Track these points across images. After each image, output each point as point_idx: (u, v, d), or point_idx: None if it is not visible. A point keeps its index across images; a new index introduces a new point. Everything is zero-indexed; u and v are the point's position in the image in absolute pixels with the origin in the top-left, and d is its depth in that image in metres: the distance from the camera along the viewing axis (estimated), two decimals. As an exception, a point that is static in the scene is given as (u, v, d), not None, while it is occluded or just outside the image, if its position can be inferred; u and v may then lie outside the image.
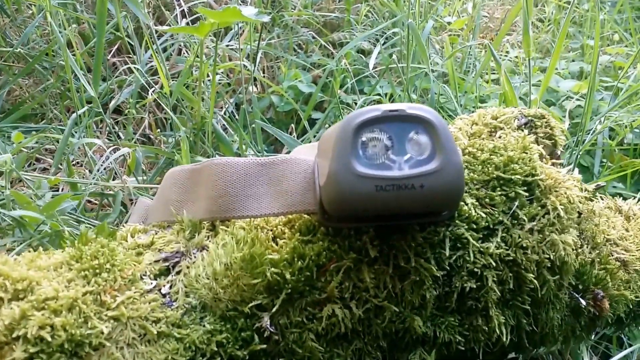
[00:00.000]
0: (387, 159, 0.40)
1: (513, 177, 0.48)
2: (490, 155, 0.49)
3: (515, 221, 0.48)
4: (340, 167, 0.39)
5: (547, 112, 0.55)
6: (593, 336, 0.73)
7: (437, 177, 0.39)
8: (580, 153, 0.93)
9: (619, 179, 0.97)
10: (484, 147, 0.49)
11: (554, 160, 0.53)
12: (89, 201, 0.82)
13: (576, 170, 0.92)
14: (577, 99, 1.11)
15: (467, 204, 0.47)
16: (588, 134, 0.96)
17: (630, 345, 0.72)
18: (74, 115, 0.79)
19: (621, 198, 0.67)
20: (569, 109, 1.05)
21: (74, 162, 0.88)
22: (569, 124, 1.02)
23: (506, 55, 1.37)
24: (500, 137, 0.51)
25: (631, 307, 0.58)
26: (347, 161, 0.39)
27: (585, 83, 1.12)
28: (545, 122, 0.54)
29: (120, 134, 0.96)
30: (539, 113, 0.55)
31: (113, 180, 0.75)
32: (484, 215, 0.47)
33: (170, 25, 1.07)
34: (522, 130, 0.52)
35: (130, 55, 1.09)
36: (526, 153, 0.49)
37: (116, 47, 1.14)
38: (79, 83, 0.89)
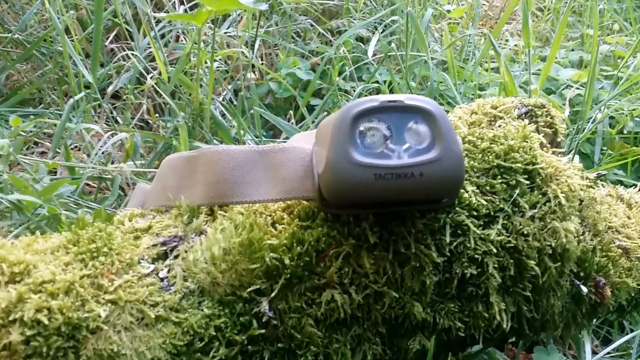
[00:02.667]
0: (386, 148, 0.40)
1: (513, 165, 0.47)
2: (491, 144, 0.48)
3: (516, 209, 0.47)
4: (338, 156, 0.39)
5: (547, 101, 0.55)
6: (594, 321, 0.73)
7: (437, 166, 0.39)
8: (581, 141, 0.93)
9: (620, 166, 0.97)
10: (484, 136, 0.49)
11: (554, 149, 0.52)
12: (88, 184, 0.82)
13: (577, 157, 0.92)
14: (577, 88, 1.11)
15: (467, 192, 0.46)
16: (588, 122, 0.96)
17: (632, 331, 0.72)
18: (72, 100, 0.79)
19: (622, 186, 0.67)
20: (569, 97, 1.05)
21: (72, 147, 0.88)
22: (569, 112, 1.02)
23: (506, 44, 1.37)
24: (500, 126, 0.50)
25: (633, 294, 0.58)
26: (345, 150, 0.39)
27: (585, 72, 1.12)
28: (546, 112, 0.54)
29: (119, 119, 0.96)
30: (539, 102, 0.54)
31: (112, 164, 0.75)
32: (484, 202, 0.47)
33: (168, 12, 1.06)
34: (523, 120, 0.52)
35: (129, 42, 1.09)
36: (526, 142, 0.48)
37: (114, 33, 1.13)
38: (77, 69, 0.88)
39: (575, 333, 0.68)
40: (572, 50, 1.37)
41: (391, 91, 1.03)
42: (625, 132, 1.03)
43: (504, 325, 0.48)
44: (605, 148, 1.02)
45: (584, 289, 0.52)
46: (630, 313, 0.65)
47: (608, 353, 0.70)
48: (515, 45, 1.34)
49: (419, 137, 0.40)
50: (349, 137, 0.39)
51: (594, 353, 0.73)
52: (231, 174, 0.43)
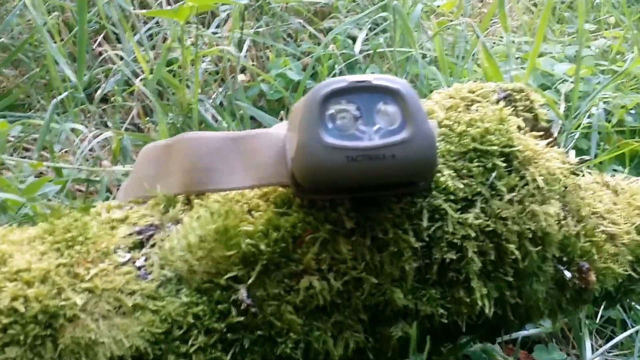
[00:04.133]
0: (356, 130, 0.40)
1: (490, 148, 0.48)
2: (467, 127, 0.48)
3: (494, 192, 0.47)
4: (308, 139, 0.39)
5: (526, 86, 0.55)
6: (598, 319, 0.73)
7: (408, 147, 0.39)
8: (577, 136, 0.93)
9: (619, 162, 0.97)
10: (460, 120, 0.49)
11: (533, 133, 0.52)
12: (79, 190, 0.82)
13: (572, 152, 0.92)
14: (572, 82, 1.10)
15: (444, 175, 0.47)
16: (584, 117, 0.96)
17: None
18: (55, 100, 0.79)
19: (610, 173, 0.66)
20: (564, 92, 1.05)
21: (62, 151, 0.88)
22: (565, 107, 1.02)
23: (500, 41, 1.37)
24: (477, 110, 0.50)
25: (620, 281, 0.58)
26: (315, 133, 0.39)
27: (582, 65, 1.12)
28: (525, 96, 0.54)
29: (109, 123, 0.96)
30: (518, 87, 0.55)
31: (100, 166, 0.75)
32: (461, 186, 0.47)
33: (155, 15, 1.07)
34: (500, 104, 0.52)
35: (116, 44, 1.09)
36: (503, 124, 0.48)
37: (102, 35, 1.14)
38: (63, 73, 0.89)
39: (577, 331, 0.68)
40: (569, 45, 1.37)
41: None
42: (624, 126, 1.02)
43: (487, 311, 0.48)
44: (602, 143, 1.02)
45: (568, 274, 0.52)
46: (620, 301, 0.65)
47: (609, 350, 0.69)
48: (513, 41, 1.34)
49: (389, 118, 0.40)
50: (319, 119, 0.39)
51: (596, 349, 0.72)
52: (205, 160, 0.44)
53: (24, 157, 0.87)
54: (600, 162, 0.91)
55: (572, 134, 0.95)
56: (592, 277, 0.54)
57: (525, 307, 0.52)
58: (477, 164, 0.47)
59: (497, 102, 0.52)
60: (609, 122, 1.05)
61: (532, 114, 0.54)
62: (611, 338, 0.75)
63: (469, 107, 0.51)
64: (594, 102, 0.99)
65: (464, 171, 0.47)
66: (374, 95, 0.40)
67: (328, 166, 0.39)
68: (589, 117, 0.99)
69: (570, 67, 1.17)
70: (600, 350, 0.70)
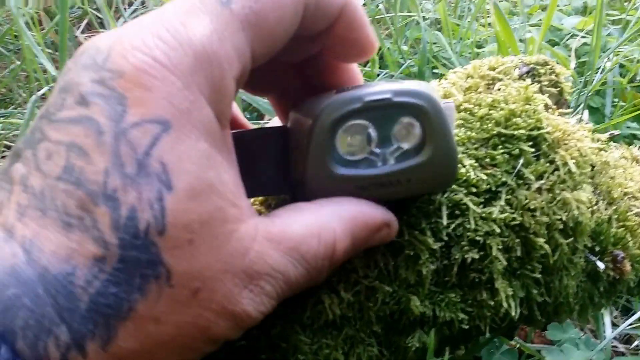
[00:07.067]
0: (369, 152, 0.35)
1: (516, 132, 0.42)
2: (489, 110, 0.43)
3: (521, 181, 0.42)
4: (316, 171, 0.34)
5: (550, 57, 0.49)
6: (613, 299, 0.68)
7: (426, 169, 0.35)
8: (589, 94, 0.87)
9: (634, 119, 0.91)
10: (481, 102, 0.43)
11: (561, 110, 0.46)
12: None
13: (586, 112, 0.86)
14: (583, 37, 1.04)
15: (465, 166, 0.41)
16: (596, 73, 0.90)
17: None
18: (34, 96, 0.73)
19: (638, 143, 0.61)
20: (575, 47, 0.99)
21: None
22: (576, 64, 0.95)
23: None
24: (499, 89, 0.44)
25: (655, 266, 0.53)
26: (323, 163, 0.34)
27: (590, 18, 1.05)
28: (550, 69, 0.48)
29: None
30: (541, 60, 0.48)
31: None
32: (484, 177, 0.41)
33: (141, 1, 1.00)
34: (524, 80, 0.46)
35: (100, 30, 1.03)
36: (529, 105, 0.43)
37: (85, 22, 1.07)
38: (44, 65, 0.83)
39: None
40: None
41: (381, 58, 0.97)
42: (637, 80, 0.96)
43: (512, 313, 0.43)
44: (617, 100, 0.96)
45: (601, 265, 0.47)
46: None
47: (631, 324, 0.65)
48: None
49: (408, 136, 0.35)
50: (328, 147, 0.34)
51: (614, 325, 0.68)
52: None
53: (4, 157, 0.81)
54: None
55: (583, 92, 0.89)
56: (628, 266, 0.49)
57: (554, 305, 0.47)
58: (501, 150, 0.42)
59: (520, 77, 0.46)
60: (623, 76, 0.99)
61: (558, 89, 0.48)
62: (626, 308, 0.71)
63: (490, 86, 0.45)
64: (610, 59, 0.92)
65: (487, 160, 0.41)
66: (393, 111, 0.34)
67: (337, 195, 0.35)
68: (601, 72, 0.93)
69: (580, 20, 1.10)
70: (622, 326, 0.65)
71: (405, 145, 0.35)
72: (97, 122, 0.27)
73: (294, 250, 0.32)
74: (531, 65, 0.47)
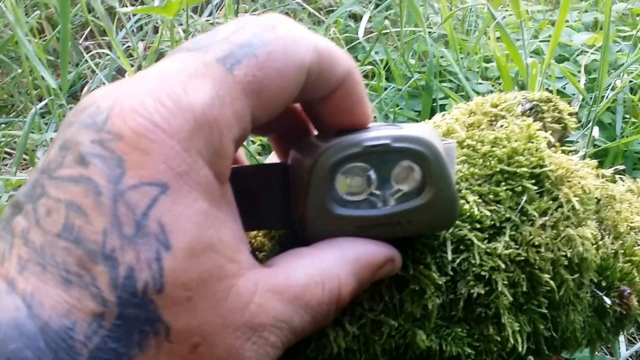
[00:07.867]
0: (369, 194, 0.36)
1: (519, 170, 0.43)
2: (492, 147, 0.44)
3: (525, 217, 0.42)
4: (316, 211, 0.35)
5: (553, 95, 0.50)
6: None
7: (427, 211, 0.36)
8: (599, 111, 0.86)
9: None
10: (484, 139, 0.44)
11: (564, 148, 0.47)
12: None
13: (596, 128, 0.85)
14: (593, 53, 1.03)
15: (469, 202, 0.42)
16: (607, 90, 0.89)
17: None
18: (32, 110, 0.75)
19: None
20: (584, 63, 0.98)
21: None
22: (585, 80, 0.95)
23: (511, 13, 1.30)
24: (502, 126, 0.45)
25: (663, 302, 0.53)
26: (323, 203, 0.35)
27: (600, 35, 1.05)
28: (553, 106, 0.49)
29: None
30: (544, 96, 0.49)
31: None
32: (488, 213, 0.42)
33: (144, 5, 1.02)
34: (527, 117, 0.47)
35: (104, 38, 1.05)
36: (532, 142, 0.43)
37: (88, 30, 1.10)
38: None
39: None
40: (586, 11, 1.29)
41: (387, 71, 0.97)
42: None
43: (519, 348, 0.43)
44: (627, 116, 0.95)
45: (608, 301, 0.47)
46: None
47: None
48: (526, 10, 1.27)
49: (408, 179, 0.36)
50: (327, 187, 0.35)
51: (630, 342, 0.67)
52: None
53: (8, 164, 0.83)
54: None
55: (594, 109, 0.89)
56: (634, 301, 0.49)
57: (561, 339, 0.47)
58: (504, 187, 0.42)
59: (523, 114, 0.47)
60: (634, 93, 0.98)
61: (562, 125, 0.49)
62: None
63: (492, 123, 0.46)
64: (620, 76, 0.92)
65: (491, 196, 0.42)
66: (392, 155, 0.35)
67: (337, 235, 0.36)
68: (612, 89, 0.93)
69: (590, 36, 1.10)
70: (638, 344, 0.64)
71: (405, 188, 0.36)
72: (95, 183, 0.28)
73: (297, 299, 0.32)
74: (534, 102, 0.48)
